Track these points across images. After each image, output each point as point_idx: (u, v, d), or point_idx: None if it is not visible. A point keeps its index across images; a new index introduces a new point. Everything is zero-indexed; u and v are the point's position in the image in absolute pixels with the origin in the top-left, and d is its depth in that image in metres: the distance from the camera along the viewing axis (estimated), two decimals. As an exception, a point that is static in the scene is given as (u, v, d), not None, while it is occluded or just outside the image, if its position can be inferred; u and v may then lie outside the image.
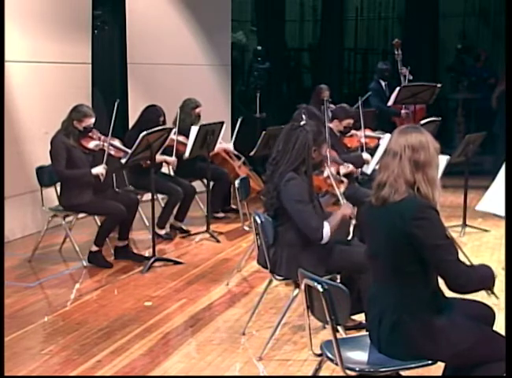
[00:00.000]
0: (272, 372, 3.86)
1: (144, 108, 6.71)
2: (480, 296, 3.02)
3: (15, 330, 4.41)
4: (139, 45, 8.26)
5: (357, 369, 2.89)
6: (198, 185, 7.38)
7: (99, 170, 5.67)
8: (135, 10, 8.21)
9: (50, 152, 5.67)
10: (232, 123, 9.52)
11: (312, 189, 4.09)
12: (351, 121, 6.53)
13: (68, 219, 6.06)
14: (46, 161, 5.79)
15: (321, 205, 4.19)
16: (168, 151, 6.53)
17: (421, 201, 2.82)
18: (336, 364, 2.90)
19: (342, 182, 4.41)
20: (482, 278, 2.88)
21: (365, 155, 6.40)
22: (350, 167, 5.96)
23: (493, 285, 2.94)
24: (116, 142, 5.97)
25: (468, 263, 3.04)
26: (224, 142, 7.50)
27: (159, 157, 6.32)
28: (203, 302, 4.98)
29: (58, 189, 5.91)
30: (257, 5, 12.56)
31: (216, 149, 7.14)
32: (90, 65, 7.49)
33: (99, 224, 5.96)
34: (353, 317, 4.17)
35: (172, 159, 6.61)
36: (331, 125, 6.35)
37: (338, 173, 5.34)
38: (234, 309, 4.83)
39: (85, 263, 5.78)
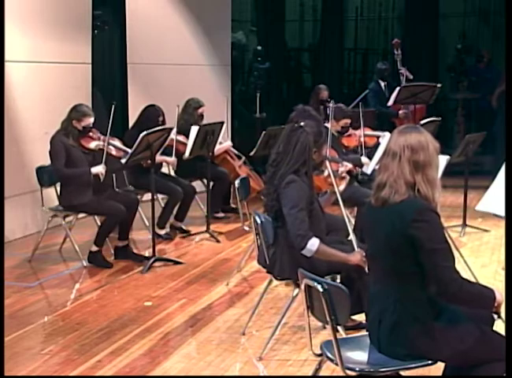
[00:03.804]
0: (272, 372, 3.86)
1: (143, 108, 6.72)
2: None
3: (15, 330, 4.41)
4: (139, 45, 8.26)
5: (357, 369, 2.89)
6: (198, 185, 7.38)
7: (99, 169, 5.67)
8: (135, 10, 8.21)
9: (50, 151, 5.67)
10: (232, 123, 9.53)
11: (312, 191, 4.09)
12: (348, 121, 6.51)
13: (68, 219, 6.06)
14: (46, 161, 5.79)
15: (321, 207, 4.19)
16: (168, 151, 6.53)
17: (421, 203, 2.81)
18: (336, 364, 2.90)
19: (343, 178, 4.39)
20: (476, 294, 2.81)
21: (364, 159, 6.39)
22: (349, 165, 5.95)
23: (497, 308, 2.85)
24: (116, 142, 5.98)
25: (473, 280, 2.99)
26: (224, 141, 7.50)
27: (159, 158, 6.33)
28: (203, 302, 4.98)
29: (58, 189, 5.91)
30: (257, 5, 12.56)
31: (217, 150, 7.15)
32: (90, 65, 7.49)
33: (99, 224, 5.96)
34: (353, 317, 4.17)
35: (172, 159, 6.61)
36: (328, 125, 6.34)
37: (337, 171, 5.33)
38: (234, 309, 4.83)
39: (85, 263, 5.78)
